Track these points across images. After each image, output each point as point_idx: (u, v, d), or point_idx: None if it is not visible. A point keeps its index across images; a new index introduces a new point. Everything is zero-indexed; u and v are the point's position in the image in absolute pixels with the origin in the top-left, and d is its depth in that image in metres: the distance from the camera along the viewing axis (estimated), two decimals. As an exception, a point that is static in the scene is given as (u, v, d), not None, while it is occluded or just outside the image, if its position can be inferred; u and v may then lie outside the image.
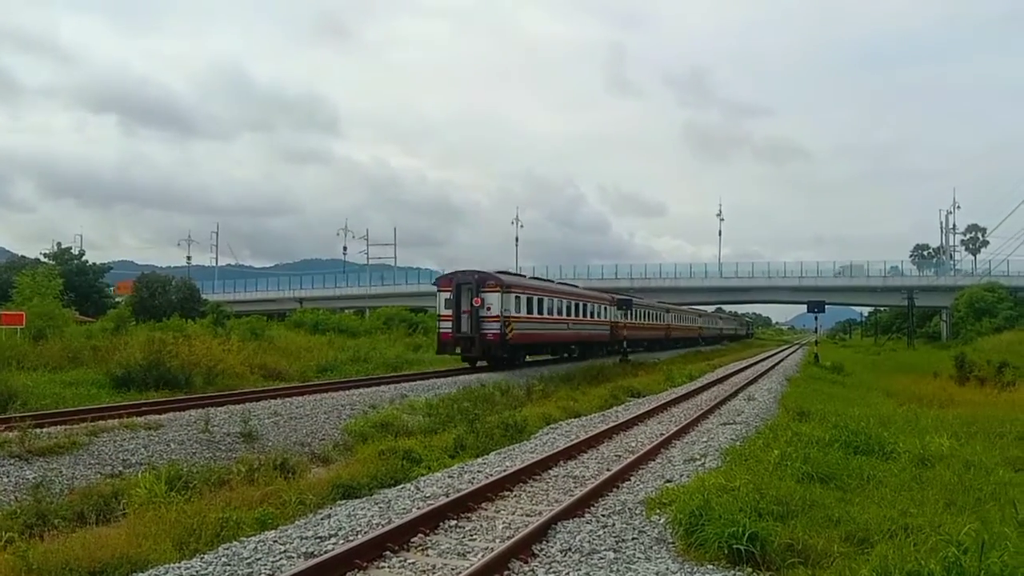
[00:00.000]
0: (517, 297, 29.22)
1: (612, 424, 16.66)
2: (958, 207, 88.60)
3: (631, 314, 46.09)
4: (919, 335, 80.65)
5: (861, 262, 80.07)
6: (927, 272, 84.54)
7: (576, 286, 41.52)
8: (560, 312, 34.26)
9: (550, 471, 11.74)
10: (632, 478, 11.30)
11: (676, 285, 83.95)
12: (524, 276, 41.29)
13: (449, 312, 28.50)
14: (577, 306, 36.50)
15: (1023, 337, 48.91)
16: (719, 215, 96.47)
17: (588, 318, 37.94)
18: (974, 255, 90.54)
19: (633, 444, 14.52)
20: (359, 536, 7.95)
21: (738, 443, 13.50)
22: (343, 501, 9.85)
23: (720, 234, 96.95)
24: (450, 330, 28.34)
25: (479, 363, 29.26)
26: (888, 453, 12.10)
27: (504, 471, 11.21)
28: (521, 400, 21.02)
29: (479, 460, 12.63)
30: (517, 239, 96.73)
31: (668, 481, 10.63)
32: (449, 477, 11.09)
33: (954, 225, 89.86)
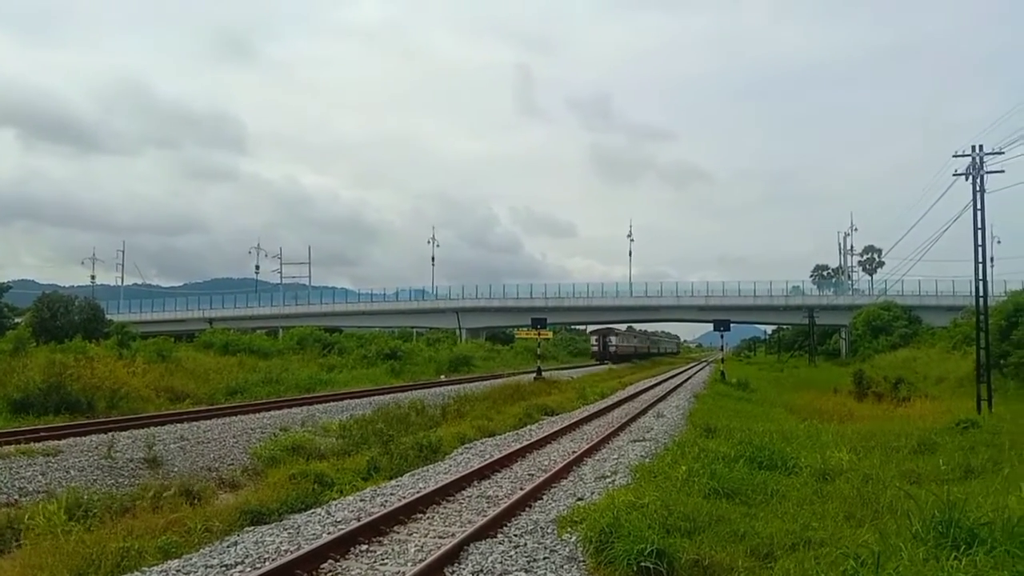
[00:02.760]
0: (617, 336, 79.29)
1: (526, 443, 16.66)
2: (855, 229, 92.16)
3: (643, 342, 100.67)
4: (820, 352, 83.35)
5: (764, 282, 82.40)
6: (827, 291, 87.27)
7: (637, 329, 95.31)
8: (630, 342, 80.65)
9: (463, 491, 11.64)
10: (544, 497, 11.30)
11: (589, 304, 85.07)
12: (622, 326, 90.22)
13: (596, 342, 78.52)
14: (638, 339, 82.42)
15: (917, 354, 51.03)
16: (629, 236, 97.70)
17: (635, 343, 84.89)
18: (871, 275, 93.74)
19: (546, 462, 14.54)
20: (266, 563, 7.70)
21: (648, 460, 13.66)
22: (251, 527, 9.53)
23: (631, 254, 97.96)
24: (598, 348, 76.56)
25: (605, 362, 66.86)
26: (791, 468, 12.42)
27: (417, 493, 11.06)
28: (436, 420, 20.85)
29: (393, 482, 12.44)
30: (433, 258, 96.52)
31: (579, 499, 10.68)
32: (361, 500, 10.88)
33: (852, 247, 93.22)
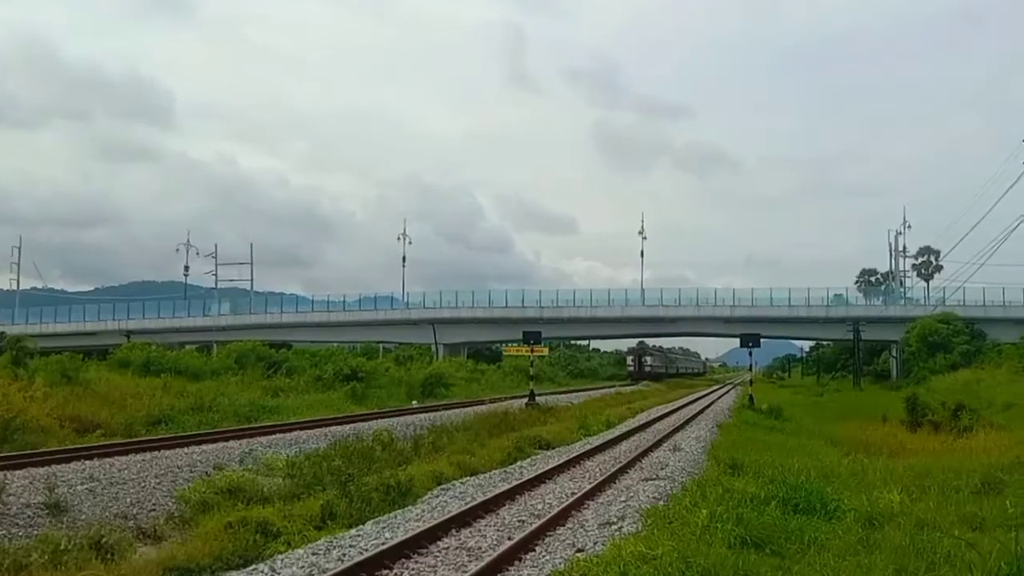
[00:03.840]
0: (652, 356, 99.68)
1: (515, 482, 16.63)
2: (908, 227, 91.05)
3: (675, 361, 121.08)
4: (866, 373, 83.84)
5: (801, 289, 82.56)
6: (875, 301, 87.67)
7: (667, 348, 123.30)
8: (662, 361, 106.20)
9: (439, 543, 11.60)
10: (537, 548, 11.27)
11: (593, 315, 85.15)
12: (657, 347, 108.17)
13: (632, 362, 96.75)
14: (668, 358, 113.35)
15: (981, 376, 51.31)
16: (641, 233, 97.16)
17: (667, 362, 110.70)
18: (927, 281, 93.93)
19: (540, 506, 14.51)
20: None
21: (661, 502, 13.65)
22: (179, 587, 9.48)
23: (643, 255, 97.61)
24: (633, 368, 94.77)
25: (639, 382, 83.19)
26: (831, 512, 12.44)
27: (382, 544, 11.01)
28: (407, 455, 20.78)
29: (352, 531, 12.38)
30: (404, 259, 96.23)
31: (579, 551, 10.66)
32: (313, 554, 10.82)
33: (904, 247, 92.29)
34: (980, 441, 28.18)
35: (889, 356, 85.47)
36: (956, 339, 67.62)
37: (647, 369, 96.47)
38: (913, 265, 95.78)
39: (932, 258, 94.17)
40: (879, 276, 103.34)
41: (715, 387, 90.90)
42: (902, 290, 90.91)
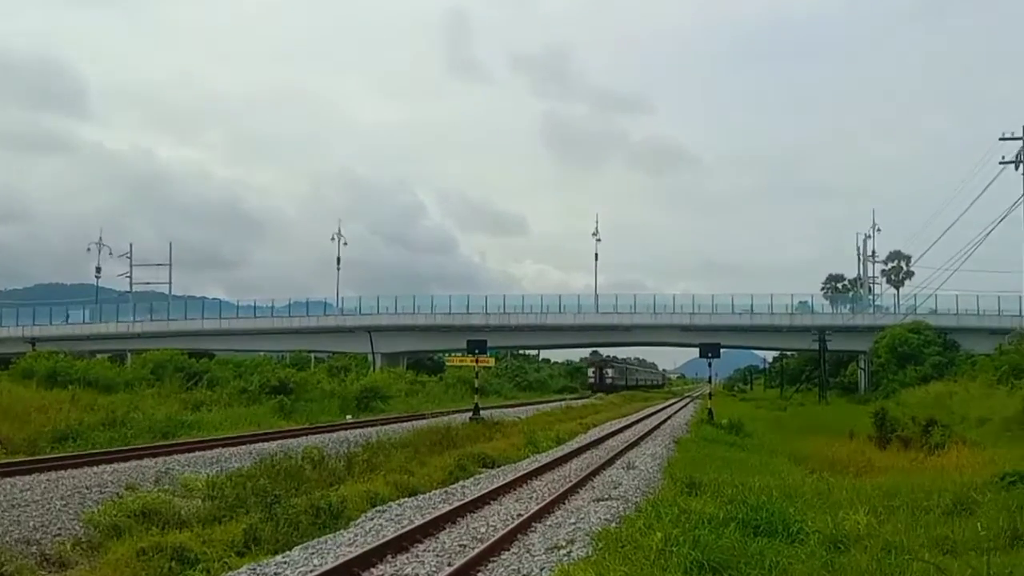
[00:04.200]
0: (613, 368, 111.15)
1: (458, 504, 16.58)
2: (878, 230, 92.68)
3: (635, 372, 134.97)
4: (832, 386, 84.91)
5: (764, 296, 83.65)
6: (842, 309, 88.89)
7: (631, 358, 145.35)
8: (623, 373, 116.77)
9: (373, 570, 11.52)
10: (479, 575, 11.24)
11: (543, 323, 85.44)
12: (618, 358, 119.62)
13: (593, 374, 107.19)
14: (628, 370, 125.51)
15: (954, 389, 52.07)
16: (595, 235, 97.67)
17: (628, 374, 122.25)
18: (897, 288, 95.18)
19: (483, 529, 14.48)
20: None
21: (614, 524, 13.72)
22: (86, 619, 9.30)
23: (596, 258, 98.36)
24: (595, 380, 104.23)
25: (599, 393, 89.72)
26: (794, 534, 12.56)
27: (310, 572, 10.92)
28: (339, 474, 20.61)
29: (278, 558, 12.23)
30: (339, 260, 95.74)
31: (525, 578, 10.64)
32: (235, 582, 10.69)
33: (873, 252, 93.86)
34: (952, 459, 28.66)
35: (857, 367, 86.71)
36: (927, 350, 68.68)
37: (608, 381, 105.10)
38: (882, 271, 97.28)
39: (902, 263, 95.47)
40: (846, 282, 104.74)
41: (672, 400, 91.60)
42: (871, 297, 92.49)
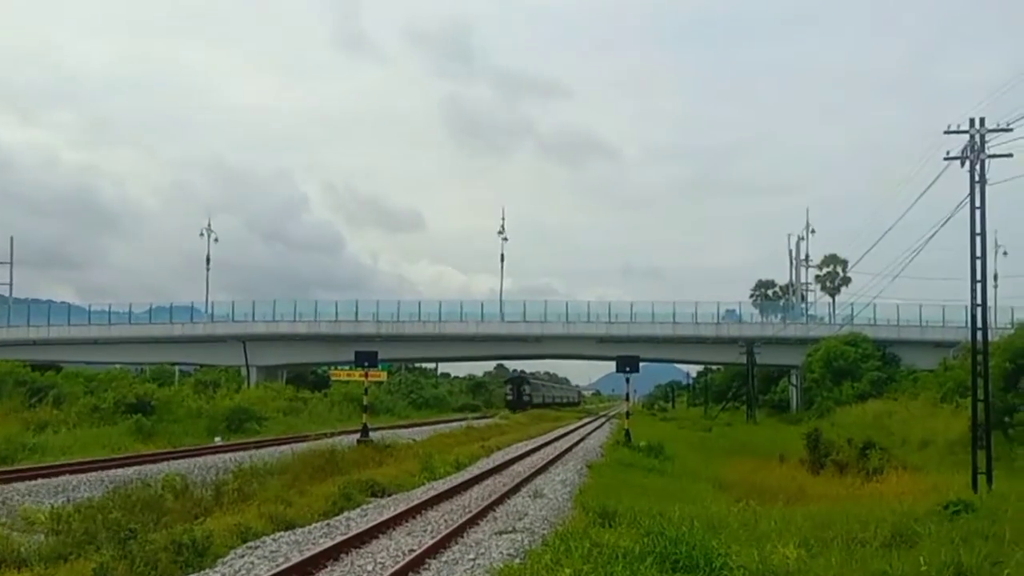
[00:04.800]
0: (530, 384, 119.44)
1: (341, 538, 16.49)
2: (812, 232, 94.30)
3: (552, 390, 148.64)
4: (762, 404, 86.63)
5: (688, 303, 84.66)
6: (772, 319, 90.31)
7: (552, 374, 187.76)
8: (540, 390, 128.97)
9: (242, 614, 11.40)
10: (365, 619, 11.21)
11: (442, 332, 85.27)
12: (546, 375, 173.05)
13: (511, 391, 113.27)
14: (544, 387, 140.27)
15: (894, 408, 53.34)
16: (501, 233, 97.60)
17: (547, 392, 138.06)
18: (832, 296, 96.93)
19: (369, 567, 14.45)
20: None
21: (517, 560, 13.82)
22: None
23: (503, 260, 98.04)
24: (512, 398, 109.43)
25: (517, 411, 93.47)
26: (717, 569, 12.77)
27: (170, 617, 10.74)
28: (206, 505, 20.33)
29: (132, 601, 12.04)
30: (208, 259, 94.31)
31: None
32: (82, 630, 10.48)
33: (807, 256, 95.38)
34: (892, 485, 29.47)
35: (788, 383, 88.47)
36: (865, 364, 70.28)
37: (526, 398, 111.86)
38: (817, 277, 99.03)
39: (838, 269, 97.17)
40: (778, 289, 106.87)
41: (586, 419, 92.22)
42: (804, 306, 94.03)
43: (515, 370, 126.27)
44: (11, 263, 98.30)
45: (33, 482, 22.60)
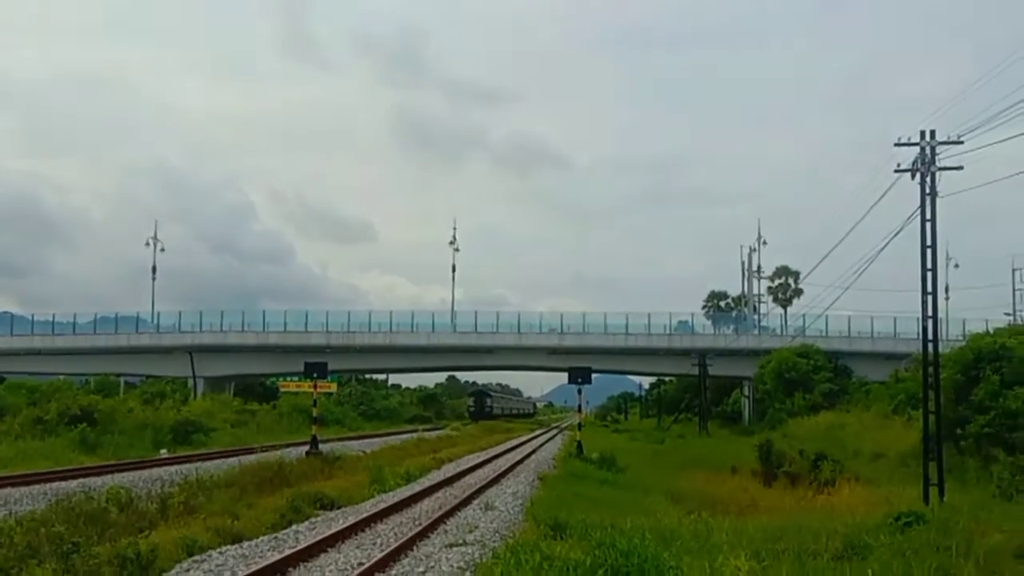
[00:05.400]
0: (491, 397, 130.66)
1: (289, 552, 16.39)
2: (764, 243, 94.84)
3: (510, 402, 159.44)
4: (714, 415, 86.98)
5: (640, 315, 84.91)
6: (725, 330, 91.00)
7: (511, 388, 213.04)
8: (500, 402, 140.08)
9: (188, 629, 11.30)
10: (313, 634, 11.16)
11: (393, 343, 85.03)
12: (499, 387, 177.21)
13: (473, 403, 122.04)
14: (504, 398, 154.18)
15: (846, 420, 53.79)
16: (452, 243, 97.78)
17: (505, 404, 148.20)
18: (784, 308, 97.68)
19: (318, 581, 14.37)
20: None
21: (467, 574, 13.82)
22: None
23: (454, 270, 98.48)
24: (474, 409, 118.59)
25: (479, 419, 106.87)
26: (669, 583, 12.84)
27: (114, 632, 10.63)
28: (151, 518, 20.13)
29: (75, 616, 11.90)
30: (155, 269, 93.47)
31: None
32: (23, 646, 10.34)
33: (759, 267, 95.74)
34: (843, 497, 29.77)
35: (741, 395, 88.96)
36: (817, 376, 70.60)
37: (487, 410, 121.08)
38: (769, 288, 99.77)
39: (790, 280, 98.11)
40: (730, 300, 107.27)
41: (538, 431, 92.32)
42: (756, 317, 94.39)
43: (467, 381, 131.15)
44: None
45: (-27, 495, 22.31)
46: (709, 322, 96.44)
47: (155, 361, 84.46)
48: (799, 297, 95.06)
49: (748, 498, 30.20)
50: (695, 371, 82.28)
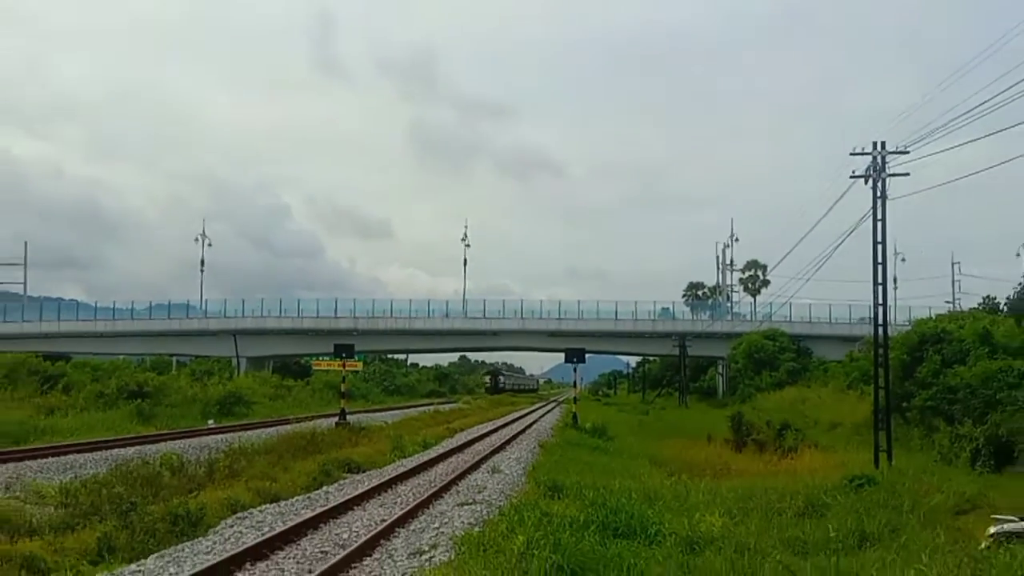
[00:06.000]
0: (503, 376, 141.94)
1: (320, 509, 16.38)
2: (736, 240, 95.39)
3: (518, 380, 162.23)
4: (693, 390, 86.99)
5: (628, 302, 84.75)
6: (702, 316, 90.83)
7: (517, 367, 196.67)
8: (511, 379, 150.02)
9: (231, 577, 11.29)
10: (341, 582, 11.14)
11: (411, 327, 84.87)
12: (505, 367, 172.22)
13: (489, 380, 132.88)
14: (513, 376, 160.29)
15: (807, 394, 53.88)
16: (464, 240, 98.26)
17: (514, 381, 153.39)
18: (754, 296, 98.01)
19: (346, 535, 14.35)
20: None
21: (477, 528, 13.77)
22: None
23: (465, 264, 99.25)
24: (490, 386, 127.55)
25: (494, 394, 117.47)
26: (652, 536, 12.84)
27: (166, 580, 10.62)
28: (199, 481, 20.13)
29: (133, 566, 11.88)
30: (203, 262, 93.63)
31: (387, 583, 10.58)
32: (87, 592, 10.33)
33: (732, 261, 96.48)
34: (805, 462, 29.75)
35: (715, 372, 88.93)
36: (782, 356, 70.82)
37: (501, 386, 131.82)
38: (740, 279, 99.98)
39: (759, 272, 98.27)
40: (706, 290, 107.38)
41: (538, 404, 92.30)
42: (729, 305, 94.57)
43: (476, 361, 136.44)
44: (25, 265, 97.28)
45: (44, 460, 22.32)
46: (688, 309, 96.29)
47: (203, 343, 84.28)
48: (767, 287, 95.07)
49: (722, 463, 30.16)
50: (676, 352, 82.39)
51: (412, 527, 15.11)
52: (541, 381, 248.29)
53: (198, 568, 11.20)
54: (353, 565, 12.04)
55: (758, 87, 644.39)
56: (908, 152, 27.93)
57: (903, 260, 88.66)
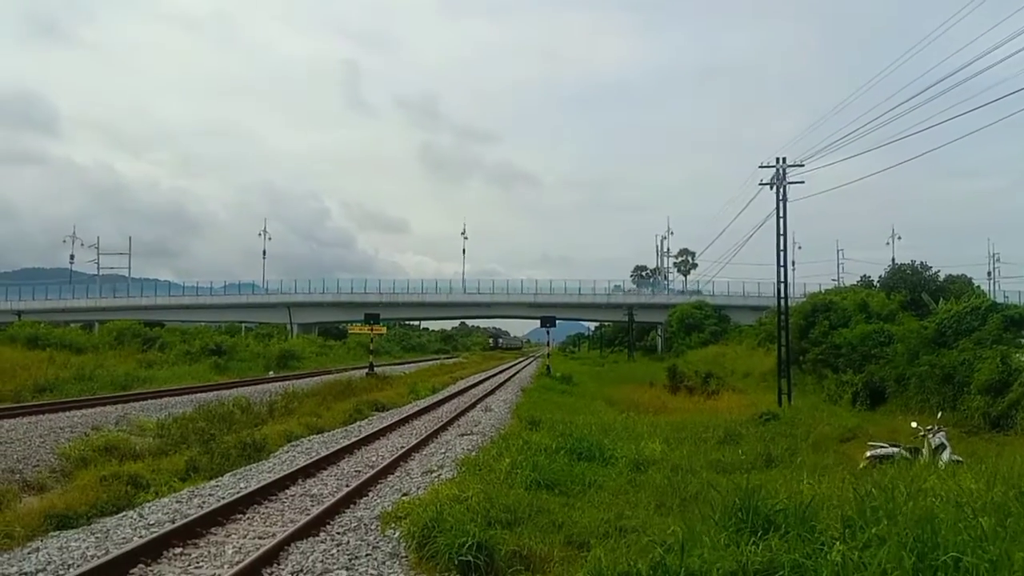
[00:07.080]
0: (501, 338, 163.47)
1: (355, 439, 16.42)
2: (672, 233, 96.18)
3: (511, 340, 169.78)
4: (638, 348, 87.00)
5: (588, 281, 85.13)
6: (645, 291, 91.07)
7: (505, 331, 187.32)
8: (506, 339, 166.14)
9: (287, 490, 11.31)
10: (370, 493, 11.17)
11: (423, 300, 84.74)
12: (496, 330, 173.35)
13: (491, 341, 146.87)
14: (508, 337, 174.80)
15: (726, 350, 54.04)
16: (463, 234, 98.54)
17: (508, 341, 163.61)
18: (685, 276, 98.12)
19: (374, 458, 14.38)
20: (69, 571, 7.16)
21: (474, 453, 13.81)
22: (56, 532, 8.84)
23: (464, 252, 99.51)
24: (492, 345, 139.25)
25: (494, 350, 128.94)
26: (608, 459, 12.92)
27: (238, 493, 10.64)
28: (262, 417, 20.13)
29: (212, 482, 11.89)
30: (264, 252, 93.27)
31: (405, 494, 10.62)
32: (177, 502, 10.33)
33: (668, 249, 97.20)
34: (724, 402, 29.89)
35: (656, 334, 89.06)
36: (707, 321, 70.92)
37: (499, 345, 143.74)
38: (674, 263, 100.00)
39: (689, 258, 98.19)
40: (648, 271, 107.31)
41: (521, 359, 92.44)
42: (666, 282, 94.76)
43: (474, 326, 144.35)
44: (129, 254, 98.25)
45: (144, 402, 22.24)
46: (635, 286, 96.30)
47: (264, 312, 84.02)
48: (695, 269, 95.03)
49: (660, 403, 30.23)
50: (625, 318, 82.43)
51: (424, 452, 15.16)
52: (524, 341, 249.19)
53: (263, 483, 11.22)
54: (380, 481, 12.08)
55: (682, 122, 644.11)
56: (803, 165, 28.11)
57: (800, 248, 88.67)
